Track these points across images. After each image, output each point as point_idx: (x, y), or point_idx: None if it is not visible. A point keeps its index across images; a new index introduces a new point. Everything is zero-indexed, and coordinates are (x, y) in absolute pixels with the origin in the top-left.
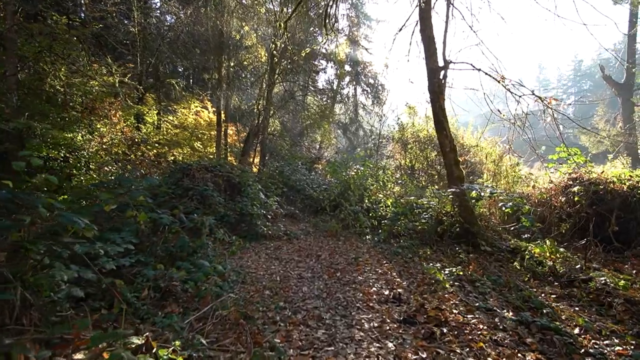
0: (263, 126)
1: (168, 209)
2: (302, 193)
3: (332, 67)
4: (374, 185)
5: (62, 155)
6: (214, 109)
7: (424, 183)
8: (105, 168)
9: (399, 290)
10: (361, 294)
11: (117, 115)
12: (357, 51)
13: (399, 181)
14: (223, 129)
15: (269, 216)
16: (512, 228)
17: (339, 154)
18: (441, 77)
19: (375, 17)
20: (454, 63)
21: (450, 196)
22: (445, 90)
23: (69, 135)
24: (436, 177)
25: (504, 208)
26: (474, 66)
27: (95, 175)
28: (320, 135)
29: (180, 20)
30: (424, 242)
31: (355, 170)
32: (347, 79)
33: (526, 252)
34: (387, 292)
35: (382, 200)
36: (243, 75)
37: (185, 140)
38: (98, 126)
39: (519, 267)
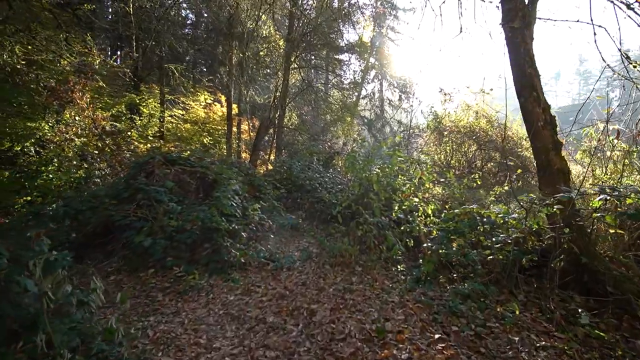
0: (279, 119)
1: None
2: (312, 195)
3: (356, 58)
4: (406, 186)
5: (29, 148)
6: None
7: (478, 182)
8: (72, 162)
9: None
10: None
11: (84, 100)
12: (384, 44)
13: (441, 179)
14: (235, 122)
15: (248, 232)
16: None
17: (359, 142)
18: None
19: (402, 6)
20: None
21: (554, 207)
22: (534, 23)
23: (33, 125)
24: (490, 176)
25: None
26: None
27: (60, 174)
28: (343, 129)
29: None
30: (500, 283)
31: (380, 166)
32: (373, 73)
33: None
34: None
35: (419, 206)
36: (256, 67)
37: (193, 135)
38: (66, 114)
39: None
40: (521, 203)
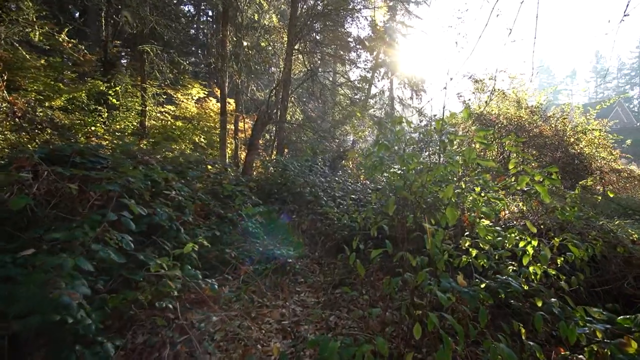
0: (280, 114)
1: None
2: (313, 208)
3: (364, 53)
4: (468, 198)
5: None
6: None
7: (558, 184)
8: None
9: None
10: None
11: None
12: (394, 40)
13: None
14: (232, 119)
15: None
16: None
17: (387, 126)
18: None
19: None
20: None
21: None
22: None
23: None
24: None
25: None
26: None
27: None
28: (352, 125)
29: None
30: None
31: (421, 163)
32: (382, 70)
33: None
34: None
35: (504, 240)
36: (256, 58)
37: (182, 133)
38: None
39: None
40: None
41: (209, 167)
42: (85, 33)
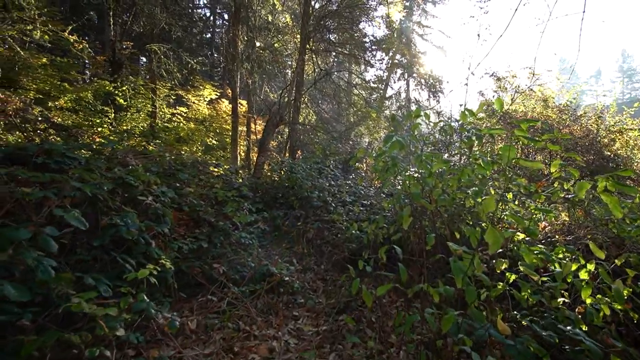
0: (292, 114)
1: None
2: (320, 215)
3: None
4: (501, 207)
5: None
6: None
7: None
8: None
9: None
10: None
11: None
12: (411, 40)
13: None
14: (244, 120)
15: None
16: None
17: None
18: None
19: None
20: None
21: None
22: None
23: None
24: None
25: None
26: None
27: None
28: (367, 126)
29: None
30: None
31: (445, 164)
32: (399, 72)
33: None
34: None
35: (552, 263)
36: (269, 58)
37: (193, 134)
38: None
39: None
40: None
41: (212, 168)
42: (103, 33)
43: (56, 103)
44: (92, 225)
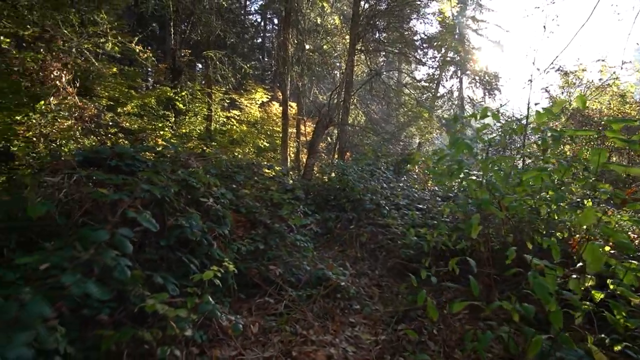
0: (342, 117)
1: None
2: (373, 218)
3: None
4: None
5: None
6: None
7: None
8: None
9: None
10: None
11: (62, 82)
12: (464, 36)
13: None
14: (294, 122)
15: None
16: None
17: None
18: None
19: None
20: None
21: None
22: None
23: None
24: None
25: None
26: None
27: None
28: (418, 127)
29: None
30: None
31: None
32: (452, 69)
33: None
34: None
35: None
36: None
37: (245, 136)
38: (41, 102)
39: None
40: None
41: (265, 170)
42: (164, 42)
43: (124, 109)
44: (159, 226)
